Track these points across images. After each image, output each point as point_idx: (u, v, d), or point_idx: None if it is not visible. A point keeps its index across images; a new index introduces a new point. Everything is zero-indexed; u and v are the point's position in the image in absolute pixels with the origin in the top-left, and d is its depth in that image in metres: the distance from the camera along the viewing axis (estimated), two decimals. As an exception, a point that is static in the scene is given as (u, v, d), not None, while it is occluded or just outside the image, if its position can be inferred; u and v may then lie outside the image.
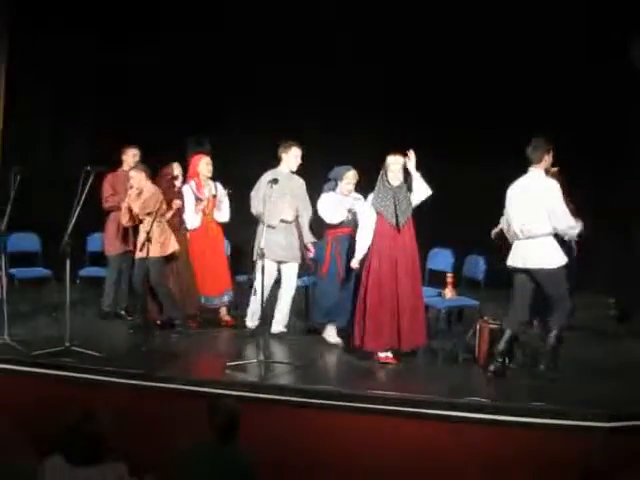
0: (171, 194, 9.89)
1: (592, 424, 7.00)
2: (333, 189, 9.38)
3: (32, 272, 11.08)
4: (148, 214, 9.39)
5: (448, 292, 9.48)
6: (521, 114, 11.30)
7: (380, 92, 12.24)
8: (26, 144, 12.30)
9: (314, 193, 9.70)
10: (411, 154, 8.63)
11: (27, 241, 11.22)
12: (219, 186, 10.35)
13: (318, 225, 9.58)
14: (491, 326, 8.64)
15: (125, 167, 10.53)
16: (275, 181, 8.84)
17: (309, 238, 9.76)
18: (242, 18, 12.57)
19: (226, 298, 10.31)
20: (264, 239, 8.79)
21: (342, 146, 11.26)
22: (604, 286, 11.05)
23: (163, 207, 9.58)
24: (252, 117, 12.54)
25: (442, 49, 11.89)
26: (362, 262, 8.75)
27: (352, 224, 9.22)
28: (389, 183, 8.61)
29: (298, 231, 9.74)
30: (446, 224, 10.59)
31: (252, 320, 9.69)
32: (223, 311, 10.37)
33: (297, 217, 9.73)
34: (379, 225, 8.64)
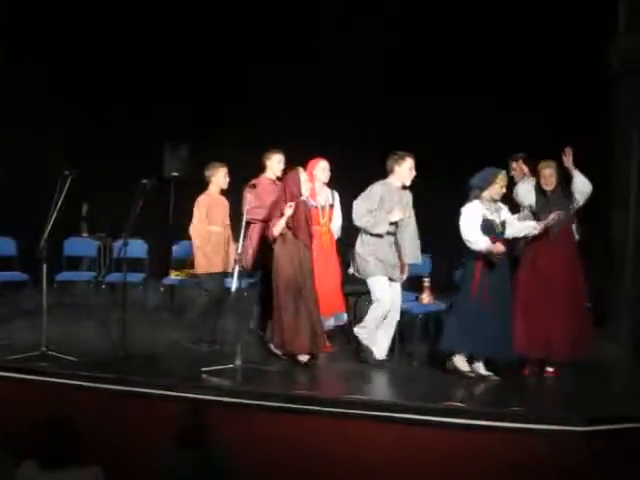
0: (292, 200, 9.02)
1: (570, 428, 7.04)
2: (478, 197, 8.41)
3: (8, 276, 11.04)
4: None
5: (425, 297, 9.49)
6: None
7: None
8: (3, 147, 12.25)
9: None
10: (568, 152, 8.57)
11: (3, 245, 11.17)
12: (336, 194, 9.54)
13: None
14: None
15: (269, 174, 9.67)
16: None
17: (412, 257, 8.99)
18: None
19: (333, 322, 9.35)
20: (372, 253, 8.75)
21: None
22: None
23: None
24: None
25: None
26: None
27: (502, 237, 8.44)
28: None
29: (398, 248, 8.93)
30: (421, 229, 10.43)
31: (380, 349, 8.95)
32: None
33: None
34: None
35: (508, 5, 11.52)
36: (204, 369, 8.35)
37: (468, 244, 8.27)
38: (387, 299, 8.74)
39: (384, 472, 7.07)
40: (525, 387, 8.18)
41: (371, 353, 8.82)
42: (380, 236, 8.78)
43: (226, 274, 9.46)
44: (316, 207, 9.26)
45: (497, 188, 8.36)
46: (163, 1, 12.75)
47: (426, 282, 9.57)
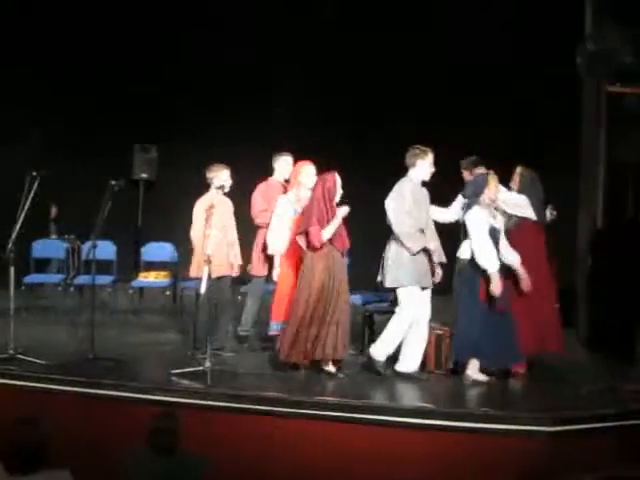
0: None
1: (536, 428, 7.08)
2: (477, 204, 8.31)
3: (-24, 279, 10.95)
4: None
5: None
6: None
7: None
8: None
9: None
10: None
11: (-30, 247, 11.08)
12: None
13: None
14: (438, 332, 8.68)
15: (278, 177, 9.50)
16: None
17: (438, 257, 8.52)
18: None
19: None
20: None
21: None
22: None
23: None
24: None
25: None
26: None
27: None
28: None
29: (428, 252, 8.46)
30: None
31: (406, 363, 8.50)
32: None
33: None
34: None
35: (472, 7, 11.61)
36: (174, 371, 8.33)
37: (479, 258, 8.16)
38: (414, 313, 8.37)
39: (355, 473, 7.08)
40: (493, 388, 8.20)
41: (384, 367, 8.48)
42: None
43: (226, 279, 9.33)
44: (302, 214, 8.75)
45: (492, 189, 8.35)
46: (136, 4, 12.74)
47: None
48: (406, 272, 8.35)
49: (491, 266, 8.11)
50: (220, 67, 12.66)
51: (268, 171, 9.60)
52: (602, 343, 9.46)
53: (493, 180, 8.41)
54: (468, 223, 8.27)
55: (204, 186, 9.35)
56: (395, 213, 8.37)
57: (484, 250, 8.15)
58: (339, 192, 8.44)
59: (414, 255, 8.31)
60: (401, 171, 8.53)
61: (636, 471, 5.86)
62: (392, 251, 8.44)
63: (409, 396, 8.00)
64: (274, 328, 8.90)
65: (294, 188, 9.06)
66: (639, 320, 8.86)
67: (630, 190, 10.12)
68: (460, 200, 9.03)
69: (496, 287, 8.05)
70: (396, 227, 8.35)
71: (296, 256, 8.74)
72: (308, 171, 9.00)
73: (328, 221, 8.30)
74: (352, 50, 12.11)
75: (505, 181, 8.81)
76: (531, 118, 11.25)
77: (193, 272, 9.21)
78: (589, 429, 7.24)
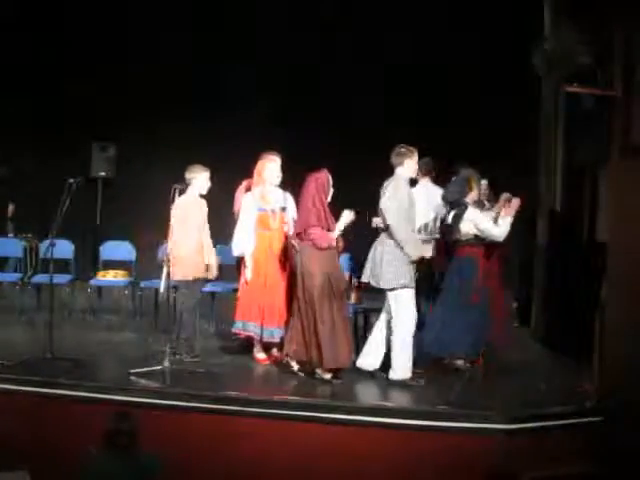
0: None
1: (493, 426, 7.14)
2: (467, 204, 8.53)
3: None
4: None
5: (354, 296, 9.52)
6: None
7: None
8: None
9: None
10: None
11: None
12: (289, 197, 8.94)
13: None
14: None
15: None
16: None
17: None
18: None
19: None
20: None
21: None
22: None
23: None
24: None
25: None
26: None
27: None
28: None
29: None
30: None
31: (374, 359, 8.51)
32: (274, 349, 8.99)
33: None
34: None
35: (431, 6, 11.66)
36: (132, 371, 8.30)
37: (499, 234, 8.42)
38: (413, 312, 8.31)
39: (312, 472, 7.11)
40: (450, 386, 8.25)
41: (413, 379, 8.32)
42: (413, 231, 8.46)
43: (201, 280, 9.24)
44: (265, 211, 8.81)
45: (475, 192, 8.64)
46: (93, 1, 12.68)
47: (355, 282, 9.59)
48: (404, 273, 8.23)
49: (506, 227, 8.43)
50: (183, 66, 12.62)
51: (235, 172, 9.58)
52: (559, 341, 9.54)
53: (474, 182, 8.63)
54: (473, 222, 8.46)
55: (163, 184, 9.28)
56: (397, 218, 8.26)
57: (497, 231, 8.43)
58: (331, 190, 8.38)
59: (406, 257, 8.22)
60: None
61: (588, 468, 5.94)
62: (387, 252, 8.29)
63: (368, 395, 8.02)
64: (238, 327, 8.87)
65: (258, 185, 8.91)
66: (595, 319, 8.96)
67: (587, 189, 10.20)
68: None
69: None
70: (397, 233, 8.22)
71: (268, 253, 8.80)
72: (272, 167, 8.87)
73: (326, 220, 8.22)
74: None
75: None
76: (489, 119, 11.31)
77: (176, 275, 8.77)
78: (545, 427, 7.33)
